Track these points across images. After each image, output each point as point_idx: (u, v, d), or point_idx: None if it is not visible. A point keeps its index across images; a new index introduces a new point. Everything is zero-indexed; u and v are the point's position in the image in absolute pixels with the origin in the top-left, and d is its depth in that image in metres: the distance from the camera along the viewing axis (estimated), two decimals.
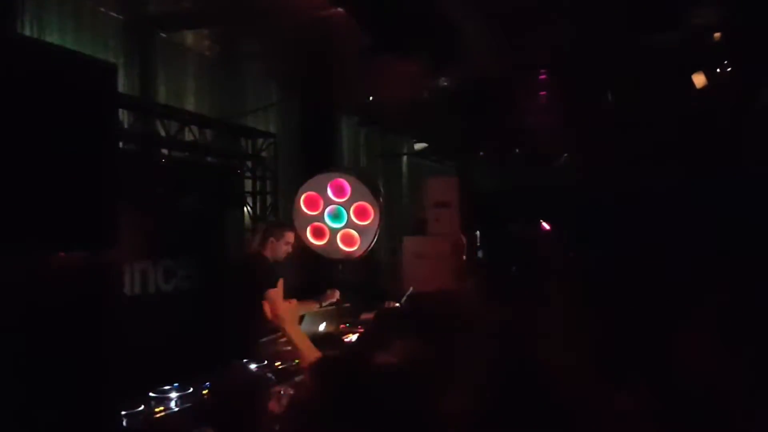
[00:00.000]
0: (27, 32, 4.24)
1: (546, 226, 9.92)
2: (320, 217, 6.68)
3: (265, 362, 3.82)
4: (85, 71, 2.34)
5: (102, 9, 5.02)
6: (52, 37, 4.38)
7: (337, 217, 6.71)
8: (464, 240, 7.19)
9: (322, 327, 4.21)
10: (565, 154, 10.70)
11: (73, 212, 2.31)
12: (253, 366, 3.68)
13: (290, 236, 4.85)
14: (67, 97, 2.26)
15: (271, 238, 4.63)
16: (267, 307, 4.27)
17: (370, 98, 7.24)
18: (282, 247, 4.72)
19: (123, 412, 2.74)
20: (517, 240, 9.31)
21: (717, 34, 6.19)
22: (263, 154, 6.70)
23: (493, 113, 7.86)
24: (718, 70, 6.56)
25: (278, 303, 4.33)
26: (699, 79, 6.66)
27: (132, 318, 4.11)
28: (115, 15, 5.14)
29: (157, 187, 4.84)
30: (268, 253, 4.58)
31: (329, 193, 6.71)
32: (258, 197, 6.79)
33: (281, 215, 6.95)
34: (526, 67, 7.03)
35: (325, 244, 6.36)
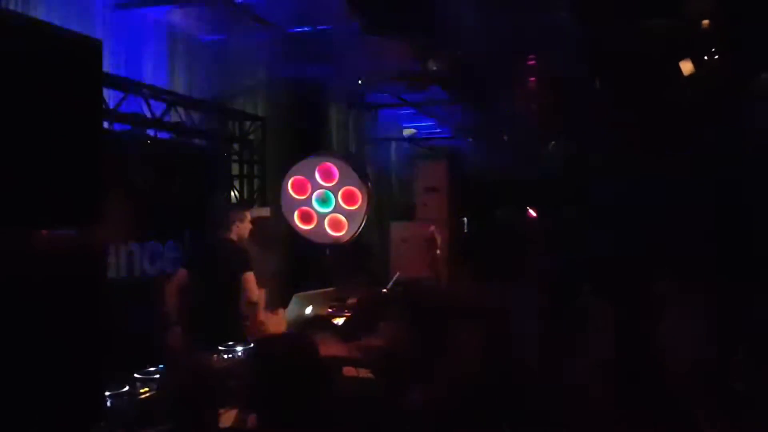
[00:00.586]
0: (12, 7, 4.18)
1: (533, 212, 9.96)
2: (308, 202, 6.67)
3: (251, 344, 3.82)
4: (70, 48, 2.30)
5: None
6: (38, 12, 4.30)
7: (325, 201, 6.70)
8: (452, 226, 7.21)
9: (308, 310, 4.20)
10: (553, 142, 10.73)
11: (57, 191, 2.28)
12: (239, 348, 3.67)
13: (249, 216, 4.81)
14: (51, 74, 2.22)
15: (237, 222, 4.60)
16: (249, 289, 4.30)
17: (360, 81, 7.20)
18: (247, 228, 4.68)
19: (107, 393, 2.73)
20: (504, 226, 9.35)
21: (706, 22, 6.20)
22: (251, 137, 6.65)
23: (481, 98, 7.84)
24: (705, 57, 6.58)
25: (253, 287, 4.36)
26: (686, 67, 6.67)
27: (117, 300, 4.09)
28: None
29: (142, 169, 4.79)
30: (234, 236, 4.55)
31: (317, 177, 6.69)
32: (245, 181, 6.75)
33: (269, 199, 6.92)
34: (516, 51, 7.02)
35: (312, 228, 6.35)
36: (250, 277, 4.35)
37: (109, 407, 2.70)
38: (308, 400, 2.00)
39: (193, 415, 2.14)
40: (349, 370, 3.02)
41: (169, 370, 2.36)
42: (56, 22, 4.21)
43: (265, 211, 6.20)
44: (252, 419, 2.45)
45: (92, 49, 2.31)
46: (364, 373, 3.01)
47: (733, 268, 5.68)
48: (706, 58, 6.59)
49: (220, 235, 4.55)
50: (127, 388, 2.94)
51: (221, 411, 2.67)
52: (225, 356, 3.63)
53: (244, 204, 6.67)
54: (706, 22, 6.29)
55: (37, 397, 2.18)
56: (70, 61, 2.23)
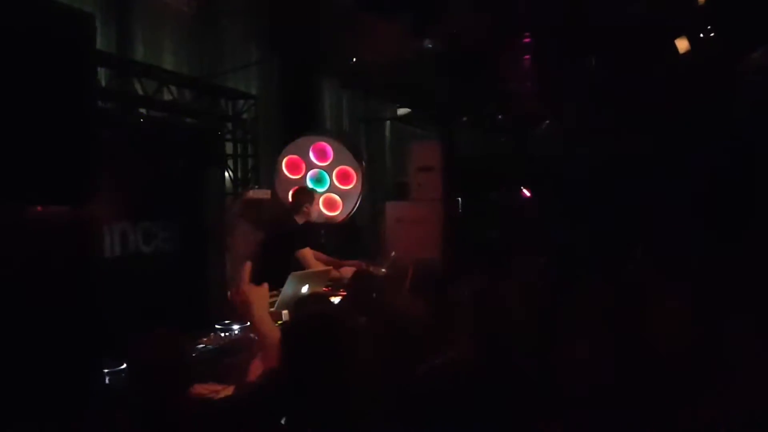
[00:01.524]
0: None
1: (527, 193, 9.95)
2: (302, 181, 6.64)
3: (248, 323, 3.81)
4: (62, 20, 2.25)
5: None
6: None
7: (320, 181, 6.68)
8: (446, 206, 7.20)
9: (305, 289, 4.19)
10: (548, 121, 10.70)
11: (50, 167, 2.25)
12: (236, 327, 3.67)
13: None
14: (43, 47, 2.18)
15: (305, 204, 5.31)
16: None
17: (354, 60, 7.13)
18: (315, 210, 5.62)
19: (105, 370, 2.72)
20: (499, 206, 9.35)
21: None
22: (244, 116, 6.59)
23: (476, 77, 7.79)
24: (701, 35, 6.55)
25: (309, 262, 4.99)
26: (682, 44, 6.65)
27: (112, 278, 4.06)
28: None
29: (134, 148, 4.73)
30: (300, 216, 5.32)
31: (311, 156, 6.66)
32: (239, 160, 6.69)
33: (262, 179, 6.87)
34: (511, 29, 6.97)
35: None
36: (306, 252, 5.02)
37: (107, 384, 2.68)
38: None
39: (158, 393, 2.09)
40: None
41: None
42: None
43: (265, 193, 6.20)
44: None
45: (86, 21, 2.27)
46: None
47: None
48: (701, 35, 6.57)
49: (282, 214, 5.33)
50: (125, 365, 2.92)
51: (208, 390, 2.66)
52: (222, 335, 3.62)
53: (238, 183, 6.64)
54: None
55: (34, 374, 2.17)
56: (63, 34, 2.18)
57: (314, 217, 5.71)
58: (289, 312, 3.60)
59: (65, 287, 2.24)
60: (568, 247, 6.97)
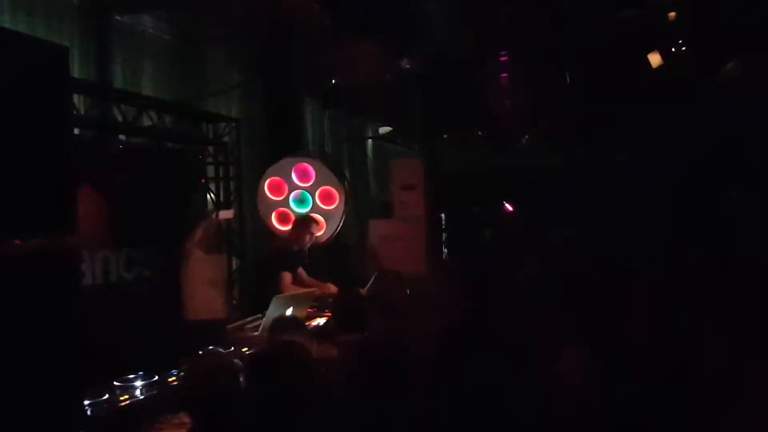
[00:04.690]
0: None
1: (509, 207, 10.03)
2: (285, 202, 6.66)
3: (232, 348, 3.81)
4: (35, 54, 2.27)
5: None
6: (3, 19, 4.22)
7: (303, 201, 6.70)
8: (429, 223, 7.24)
9: (289, 311, 4.19)
10: (527, 136, 10.81)
11: (29, 198, 2.25)
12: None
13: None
14: (18, 81, 2.19)
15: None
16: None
17: (333, 81, 7.19)
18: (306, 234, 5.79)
19: (87, 401, 2.70)
20: (482, 222, 9.41)
21: (672, 14, 6.30)
22: (225, 139, 6.60)
23: (455, 95, 7.88)
24: (673, 49, 6.68)
25: (285, 285, 5.17)
26: (654, 59, 6.78)
27: (94, 307, 4.04)
28: None
29: (115, 174, 4.73)
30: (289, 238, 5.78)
31: (294, 177, 6.68)
32: (221, 183, 6.69)
33: (245, 201, 6.87)
34: (488, 47, 7.06)
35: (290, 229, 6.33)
36: (285, 276, 5.19)
37: (88, 416, 2.67)
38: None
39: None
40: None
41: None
42: (22, 27, 4.16)
43: (229, 214, 6.22)
44: None
45: (59, 54, 2.29)
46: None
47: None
48: (673, 50, 6.70)
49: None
50: (106, 396, 2.91)
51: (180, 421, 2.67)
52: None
53: (221, 206, 6.63)
54: (672, 14, 6.40)
55: (15, 405, 2.15)
56: (37, 68, 2.20)
57: (308, 242, 5.81)
58: (267, 335, 3.60)
59: (45, 322, 2.24)
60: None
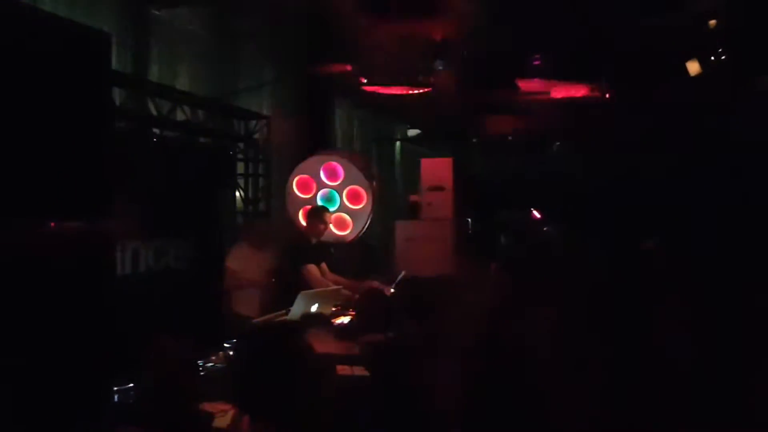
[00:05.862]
0: None
1: (536, 214, 9.94)
2: (313, 200, 6.66)
3: None
4: (80, 40, 2.29)
5: None
6: (44, 7, 4.29)
7: (330, 200, 6.69)
8: (457, 225, 7.19)
9: (314, 308, 4.18)
10: (558, 142, 10.70)
11: (65, 184, 2.27)
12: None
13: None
14: (62, 66, 2.21)
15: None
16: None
17: (365, 81, 7.18)
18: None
19: (114, 388, 2.71)
20: (508, 227, 9.33)
21: (712, 21, 6.18)
22: (256, 135, 6.64)
23: (486, 98, 7.83)
24: (712, 57, 6.55)
25: (310, 277, 5.13)
26: (693, 67, 6.65)
27: (123, 295, 4.07)
28: None
29: (147, 167, 4.77)
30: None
31: (322, 176, 6.69)
32: (250, 180, 6.73)
33: (273, 198, 6.90)
34: (521, 52, 7.01)
35: None
36: (311, 269, 5.15)
37: (116, 402, 2.68)
38: (294, 393, 1.93)
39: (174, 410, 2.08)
40: (343, 369, 3.00)
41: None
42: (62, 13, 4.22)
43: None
44: (246, 421, 2.42)
45: (102, 41, 2.31)
46: (358, 371, 2.98)
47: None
48: (712, 58, 6.57)
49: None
50: (132, 384, 2.92)
51: (217, 409, 2.64)
52: (231, 353, 3.62)
53: (249, 202, 6.67)
54: (712, 22, 6.27)
55: (44, 389, 2.17)
56: (81, 53, 2.22)
57: (325, 235, 5.76)
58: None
59: (79, 300, 2.25)
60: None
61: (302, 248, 5.41)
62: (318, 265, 5.38)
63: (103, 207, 2.44)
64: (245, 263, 5.25)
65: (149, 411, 2.06)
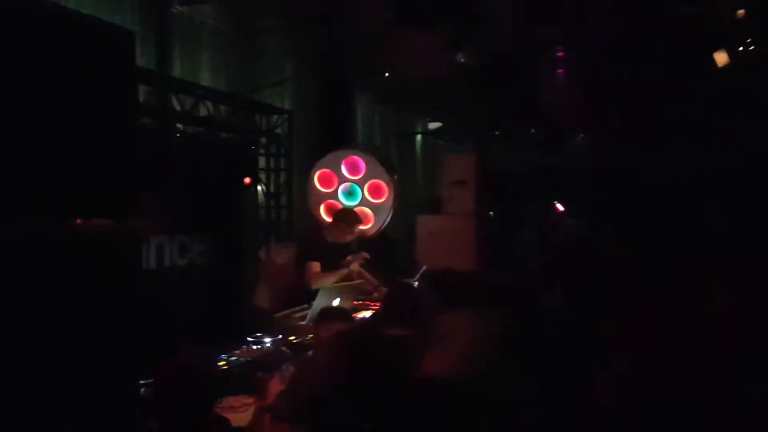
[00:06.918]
0: None
1: (560, 207, 9.84)
2: (334, 195, 6.66)
3: (280, 336, 3.83)
4: (105, 37, 2.31)
5: None
6: (68, 3, 4.33)
7: (351, 194, 6.69)
8: (480, 220, 7.13)
9: (336, 302, 4.18)
10: (581, 135, 10.58)
11: (93, 177, 2.29)
12: (267, 339, 3.69)
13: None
14: (86, 63, 2.23)
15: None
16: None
17: (387, 75, 7.17)
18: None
19: (141, 382, 2.74)
20: (532, 221, 9.25)
21: (741, 11, 6.05)
22: (278, 130, 6.66)
23: (510, 91, 7.76)
24: (741, 48, 6.42)
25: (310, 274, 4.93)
26: (721, 57, 6.52)
27: (148, 290, 4.11)
28: None
29: (170, 162, 4.81)
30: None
31: (343, 170, 6.68)
32: (272, 174, 6.76)
33: (295, 193, 6.92)
34: (545, 42, 6.92)
35: None
36: (312, 265, 4.91)
37: (141, 396, 2.71)
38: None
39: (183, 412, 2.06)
40: None
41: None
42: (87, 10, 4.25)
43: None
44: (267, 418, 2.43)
45: (127, 38, 2.32)
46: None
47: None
48: (741, 48, 6.44)
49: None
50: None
51: (240, 402, 2.65)
52: (254, 347, 3.64)
53: (271, 197, 6.69)
54: (741, 12, 6.14)
55: (71, 381, 2.20)
56: (106, 50, 2.24)
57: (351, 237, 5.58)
58: (313, 325, 3.59)
59: (105, 296, 2.27)
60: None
61: (313, 244, 5.19)
62: (325, 260, 5.09)
63: (128, 203, 2.45)
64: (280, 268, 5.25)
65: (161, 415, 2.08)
